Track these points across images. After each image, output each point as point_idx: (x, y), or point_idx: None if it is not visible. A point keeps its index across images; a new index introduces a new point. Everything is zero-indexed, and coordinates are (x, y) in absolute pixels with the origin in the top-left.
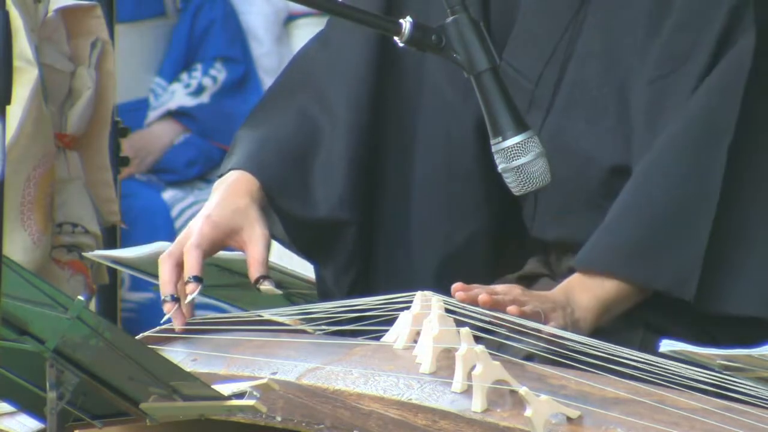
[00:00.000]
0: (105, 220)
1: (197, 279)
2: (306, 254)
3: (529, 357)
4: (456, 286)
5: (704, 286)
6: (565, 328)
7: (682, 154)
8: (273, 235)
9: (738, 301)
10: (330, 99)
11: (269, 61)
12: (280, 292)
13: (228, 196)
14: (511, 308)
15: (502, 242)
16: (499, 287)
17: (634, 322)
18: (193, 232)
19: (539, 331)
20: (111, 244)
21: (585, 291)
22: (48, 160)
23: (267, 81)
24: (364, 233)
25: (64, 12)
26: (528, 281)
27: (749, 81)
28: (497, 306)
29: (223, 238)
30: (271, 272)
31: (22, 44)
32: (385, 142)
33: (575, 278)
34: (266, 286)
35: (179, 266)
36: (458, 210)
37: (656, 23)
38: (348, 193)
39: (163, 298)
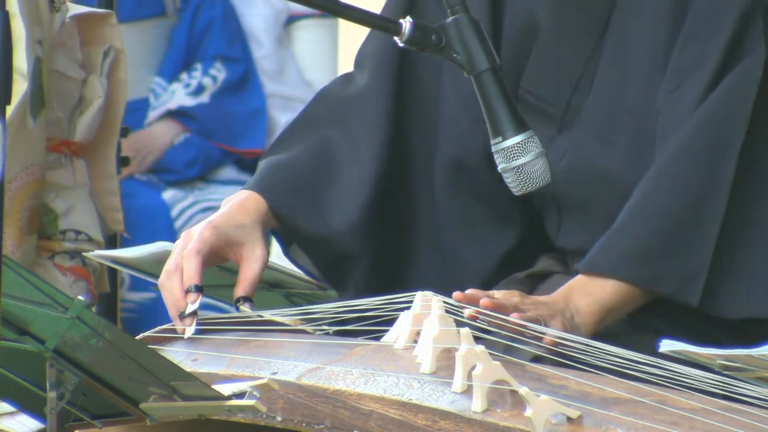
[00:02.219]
0: (108, 228)
1: (198, 288)
2: (323, 278)
3: (536, 359)
4: (456, 295)
5: (709, 290)
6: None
7: (690, 161)
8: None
9: (744, 304)
10: (352, 133)
11: (269, 63)
12: (255, 314)
13: (235, 210)
14: (512, 316)
15: (520, 257)
16: (498, 293)
17: (643, 326)
18: (194, 236)
19: (543, 333)
20: (111, 244)
21: (585, 295)
22: (30, 172)
23: (267, 83)
24: (378, 265)
25: (79, 19)
26: (538, 279)
27: (760, 90)
28: (499, 309)
29: (223, 246)
30: (271, 272)
31: (18, 57)
32: (406, 171)
33: (576, 282)
34: (245, 308)
35: None
36: (480, 234)
37: (672, 42)
38: (361, 225)
39: (179, 313)
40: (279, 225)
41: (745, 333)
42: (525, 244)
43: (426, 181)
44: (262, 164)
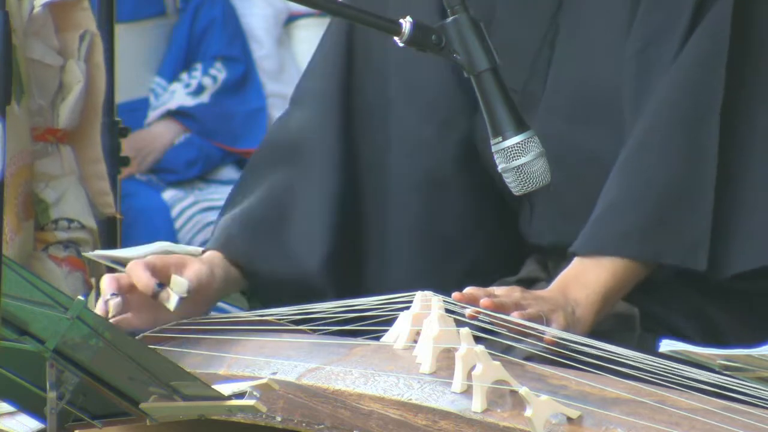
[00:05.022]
0: (100, 213)
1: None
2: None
3: (529, 358)
4: (456, 295)
5: (714, 252)
6: (567, 328)
7: (672, 129)
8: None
9: (749, 257)
10: (303, 172)
11: (270, 63)
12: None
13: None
14: (514, 313)
15: (497, 264)
16: (498, 290)
17: (629, 320)
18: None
19: (541, 333)
20: (111, 243)
21: (583, 287)
22: (21, 158)
23: (267, 83)
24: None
25: (52, 6)
26: (526, 285)
27: (734, 44)
28: (500, 309)
29: (167, 267)
30: None
31: None
32: (361, 195)
33: (569, 274)
34: (164, 298)
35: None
36: (448, 249)
37: (632, 13)
38: (328, 259)
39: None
40: (240, 274)
41: (738, 305)
42: (499, 252)
43: (380, 204)
44: (219, 223)
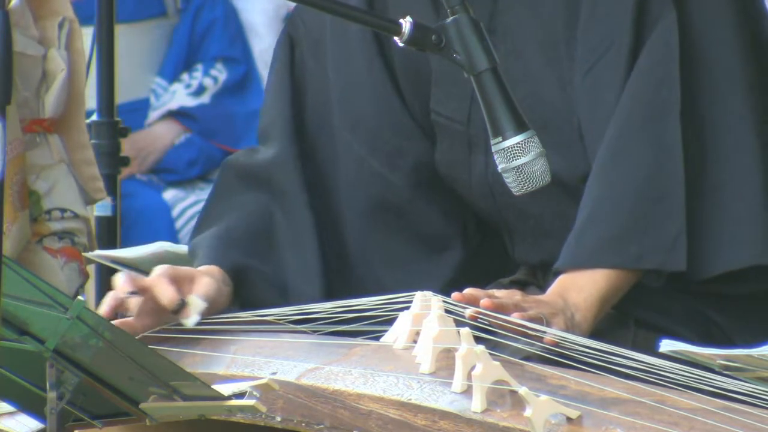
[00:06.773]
0: (91, 198)
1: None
2: None
3: (527, 358)
4: (455, 295)
5: (693, 253)
6: (566, 331)
7: (636, 137)
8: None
9: (729, 257)
10: (277, 193)
11: (270, 56)
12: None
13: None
14: (514, 314)
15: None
16: (498, 292)
17: (624, 319)
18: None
19: (541, 333)
20: (111, 243)
21: (579, 291)
22: (13, 147)
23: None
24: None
25: None
26: (520, 286)
27: (695, 53)
28: (500, 309)
29: (180, 275)
30: None
31: None
32: (325, 224)
33: (565, 279)
34: (184, 315)
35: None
36: (415, 272)
37: (569, 30)
38: (324, 291)
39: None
40: (234, 289)
41: (734, 308)
42: (478, 266)
43: (337, 232)
44: (192, 245)
